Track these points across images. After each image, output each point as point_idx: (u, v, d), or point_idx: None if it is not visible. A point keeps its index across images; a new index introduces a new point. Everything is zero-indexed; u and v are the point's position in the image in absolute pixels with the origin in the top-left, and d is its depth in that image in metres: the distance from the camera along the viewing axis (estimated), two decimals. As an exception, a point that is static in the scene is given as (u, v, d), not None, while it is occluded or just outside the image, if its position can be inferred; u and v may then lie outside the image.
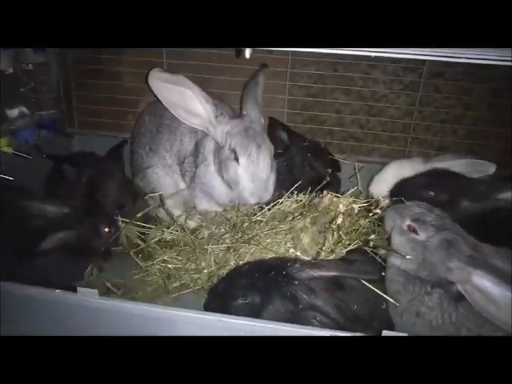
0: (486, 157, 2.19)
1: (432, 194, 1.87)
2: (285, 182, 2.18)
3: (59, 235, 1.66)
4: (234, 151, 1.86)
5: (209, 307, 1.57)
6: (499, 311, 1.28)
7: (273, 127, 2.38)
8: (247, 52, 1.16)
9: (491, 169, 2.04)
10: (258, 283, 1.49)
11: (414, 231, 1.54)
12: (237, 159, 1.85)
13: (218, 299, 1.55)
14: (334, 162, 2.36)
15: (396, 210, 1.65)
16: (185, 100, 1.91)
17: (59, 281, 1.65)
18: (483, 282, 1.32)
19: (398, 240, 1.60)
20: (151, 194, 2.08)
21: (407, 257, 1.49)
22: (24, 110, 2.21)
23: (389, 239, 1.67)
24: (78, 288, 1.35)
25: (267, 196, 1.90)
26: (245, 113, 2.03)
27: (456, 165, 2.07)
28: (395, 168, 2.19)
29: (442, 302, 1.46)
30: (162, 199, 2.00)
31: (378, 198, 1.84)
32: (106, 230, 1.89)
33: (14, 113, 2.18)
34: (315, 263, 1.56)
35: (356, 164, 2.31)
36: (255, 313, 1.45)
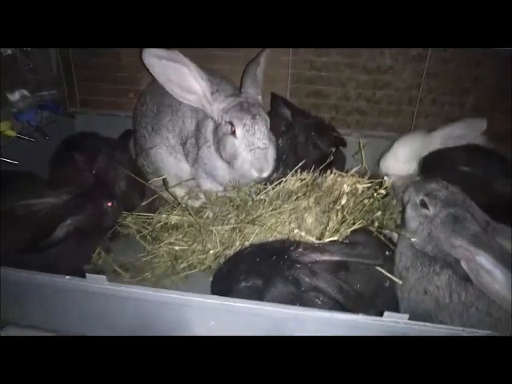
0: (494, 130, 2.17)
1: (468, 169, 1.85)
2: (289, 160, 2.17)
3: (67, 223, 1.66)
4: (230, 123, 1.85)
5: (214, 290, 1.60)
6: (500, 291, 1.30)
7: (276, 104, 2.34)
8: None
9: (483, 124, 2.05)
10: (260, 267, 1.51)
11: (425, 206, 1.56)
12: (233, 132, 1.84)
13: (222, 282, 1.58)
14: (339, 139, 2.32)
15: (414, 185, 1.67)
16: (179, 76, 1.88)
17: (70, 266, 1.69)
18: (485, 261, 1.33)
19: (409, 214, 1.62)
20: (155, 179, 2.08)
21: (412, 239, 1.50)
22: (25, 92, 2.19)
23: (403, 212, 1.68)
24: (87, 274, 1.38)
25: (267, 167, 1.87)
26: (242, 90, 2.02)
27: (455, 129, 2.09)
28: (406, 143, 2.17)
29: (450, 282, 1.48)
30: (165, 183, 2.00)
31: (382, 177, 1.82)
32: (109, 204, 1.86)
33: (15, 96, 2.17)
34: (318, 247, 1.56)
35: (360, 141, 2.27)
36: (258, 295, 1.47)
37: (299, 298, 1.48)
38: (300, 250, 1.54)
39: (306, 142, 2.22)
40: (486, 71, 2.51)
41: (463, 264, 1.41)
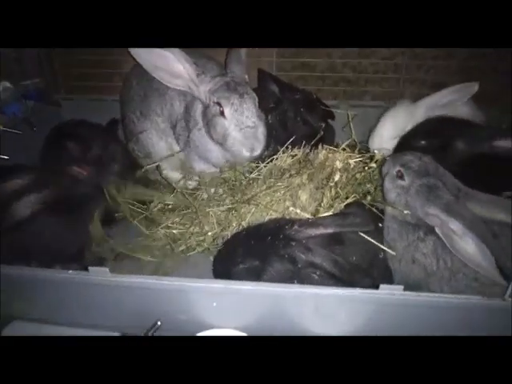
0: (480, 91, 2.17)
1: (423, 142, 1.89)
2: (279, 137, 2.18)
3: (29, 200, 1.59)
4: (218, 104, 1.85)
5: (214, 272, 1.66)
6: (473, 256, 1.36)
7: (263, 80, 2.32)
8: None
9: (475, 87, 2.05)
10: (256, 248, 1.56)
11: (401, 177, 1.61)
12: (222, 113, 1.84)
13: (221, 265, 1.64)
14: (327, 111, 2.33)
15: (391, 158, 1.72)
16: (165, 61, 1.87)
17: (62, 246, 1.69)
18: (457, 229, 1.39)
19: (387, 186, 1.67)
20: (148, 166, 2.09)
21: (405, 211, 1.54)
22: (7, 84, 2.15)
23: (382, 186, 1.72)
24: (90, 268, 1.40)
25: (259, 146, 1.88)
26: (228, 71, 2.01)
27: (443, 96, 2.08)
28: (389, 120, 2.17)
29: (436, 248, 1.53)
30: (159, 170, 2.01)
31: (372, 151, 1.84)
32: (77, 169, 1.79)
33: (-6, 85, 2.13)
34: (311, 222, 1.61)
35: (349, 113, 2.28)
36: (256, 275, 1.53)
37: (296, 274, 1.53)
38: (295, 227, 1.58)
39: (295, 117, 2.22)
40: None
41: (437, 231, 1.47)
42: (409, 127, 2.05)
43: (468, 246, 1.36)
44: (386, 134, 2.11)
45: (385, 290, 1.32)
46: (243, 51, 2.12)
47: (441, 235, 1.45)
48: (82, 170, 1.77)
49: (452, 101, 2.07)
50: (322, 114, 2.27)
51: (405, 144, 1.94)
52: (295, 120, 2.22)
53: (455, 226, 1.38)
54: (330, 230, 1.59)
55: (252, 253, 1.56)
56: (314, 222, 1.61)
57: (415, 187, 1.55)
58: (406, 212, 1.55)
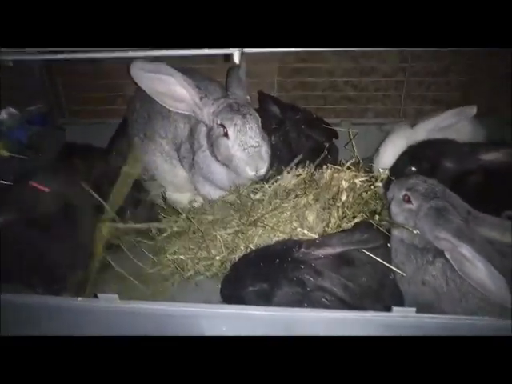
0: (480, 104, 2.19)
1: (414, 168, 1.91)
2: (283, 157, 2.19)
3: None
4: (221, 126, 1.87)
5: (222, 295, 1.65)
6: (482, 280, 1.35)
7: (264, 102, 2.35)
8: (236, 56, 1.13)
9: (473, 110, 2.06)
10: (264, 271, 1.56)
11: (409, 201, 1.60)
12: (226, 134, 1.85)
13: (230, 288, 1.63)
14: (331, 131, 2.34)
15: (396, 182, 1.72)
16: (168, 87, 1.89)
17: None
18: (467, 253, 1.38)
19: (394, 210, 1.67)
20: (154, 193, 2.12)
21: (414, 231, 1.53)
22: (12, 110, 2.17)
23: (389, 210, 1.72)
24: (99, 294, 1.40)
25: (263, 165, 1.87)
26: (229, 93, 2.03)
27: (443, 119, 2.09)
28: (390, 147, 2.18)
29: (445, 270, 1.52)
30: (164, 197, 2.01)
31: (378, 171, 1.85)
32: (33, 184, 1.72)
33: (2, 114, 2.15)
34: (319, 243, 1.60)
35: (350, 131, 2.30)
36: (265, 298, 1.53)
37: (306, 298, 1.53)
38: (302, 249, 1.57)
39: (298, 136, 2.24)
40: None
41: (447, 254, 1.46)
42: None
43: (478, 270, 1.35)
44: (388, 161, 2.09)
45: (398, 312, 1.31)
46: (243, 72, 2.14)
47: (450, 259, 1.44)
48: (36, 187, 1.72)
49: (451, 124, 2.08)
50: (324, 132, 2.28)
51: (397, 173, 1.91)
52: (298, 138, 2.24)
53: (466, 250, 1.37)
54: (338, 250, 1.58)
55: (261, 276, 1.55)
56: (321, 243, 1.60)
57: (424, 210, 1.54)
58: (415, 232, 1.54)
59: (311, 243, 1.62)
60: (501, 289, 1.31)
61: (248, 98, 2.08)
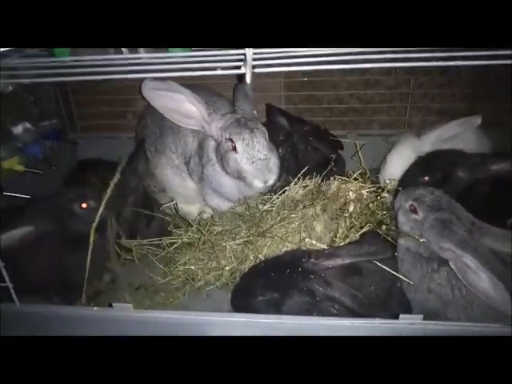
0: (484, 115, 2.22)
1: (426, 178, 1.93)
2: (291, 168, 2.24)
3: (18, 230, 1.56)
4: (230, 140, 1.92)
5: (233, 305, 1.69)
6: (486, 290, 1.39)
7: (272, 114, 2.41)
8: (248, 77, 1.18)
9: (478, 120, 2.11)
10: (275, 280, 1.60)
11: (415, 211, 1.64)
12: (234, 148, 1.91)
13: (240, 297, 1.67)
14: (336, 142, 2.39)
15: (403, 192, 1.75)
16: (178, 104, 1.96)
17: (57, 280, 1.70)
18: (471, 264, 1.42)
19: (401, 220, 1.70)
20: (166, 204, 2.18)
21: (421, 240, 1.57)
22: (27, 124, 2.24)
23: (396, 220, 1.75)
24: (114, 304, 1.44)
25: (271, 176, 1.93)
26: (236, 108, 2.09)
27: (448, 130, 2.13)
28: (397, 158, 2.21)
29: (450, 278, 1.55)
30: (176, 208, 2.07)
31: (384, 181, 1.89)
32: (84, 205, 1.74)
33: (18, 129, 2.22)
34: (327, 254, 1.63)
35: (357, 142, 2.34)
36: (275, 307, 1.56)
37: (315, 307, 1.56)
38: (312, 260, 1.61)
39: (305, 147, 2.29)
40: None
41: (451, 264, 1.49)
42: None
43: (481, 280, 1.38)
44: (395, 172, 2.12)
45: (405, 319, 1.34)
46: (249, 87, 2.20)
47: (454, 269, 1.47)
48: (85, 208, 1.76)
49: (456, 134, 2.12)
50: (331, 144, 2.33)
51: (408, 184, 1.93)
52: (306, 150, 2.29)
53: (470, 261, 1.41)
54: (346, 261, 1.62)
55: (271, 286, 1.59)
56: (331, 254, 1.64)
57: (429, 222, 1.57)
58: (422, 240, 1.57)
59: (320, 254, 1.66)
60: (502, 298, 1.34)
61: (255, 112, 2.14)
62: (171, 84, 1.92)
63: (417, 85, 2.69)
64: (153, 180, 2.35)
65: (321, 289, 1.54)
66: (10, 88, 2.12)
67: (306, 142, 2.30)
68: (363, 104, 2.77)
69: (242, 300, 1.66)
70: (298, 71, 2.65)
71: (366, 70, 2.63)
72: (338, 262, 1.60)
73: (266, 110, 2.44)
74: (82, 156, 2.64)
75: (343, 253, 1.64)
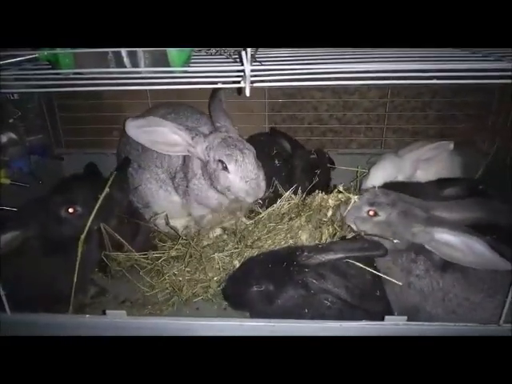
0: (455, 137, 2.41)
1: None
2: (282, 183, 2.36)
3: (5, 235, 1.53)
4: (220, 161, 1.99)
5: (226, 293, 1.74)
6: (464, 255, 1.49)
7: (276, 137, 2.61)
8: (247, 90, 1.26)
9: (450, 146, 2.32)
10: (271, 273, 1.64)
11: (375, 214, 1.72)
12: (225, 168, 1.97)
13: (235, 286, 1.70)
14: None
15: (350, 212, 1.81)
16: (162, 136, 2.04)
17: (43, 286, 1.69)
18: (443, 236, 1.53)
19: (365, 227, 1.76)
20: (156, 216, 2.23)
21: (395, 241, 1.66)
22: (12, 135, 2.24)
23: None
24: (107, 311, 1.45)
25: (261, 192, 2.03)
26: (218, 125, 2.17)
27: (424, 152, 2.35)
28: (380, 172, 2.36)
29: (428, 268, 1.64)
30: (166, 219, 2.11)
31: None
32: (70, 210, 1.72)
33: (2, 139, 2.22)
34: (322, 248, 1.68)
35: (359, 170, 2.54)
36: (269, 299, 1.62)
37: (309, 300, 1.62)
38: (305, 253, 1.65)
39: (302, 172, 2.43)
40: (442, 86, 2.74)
41: (427, 246, 1.59)
42: (399, 178, 2.31)
43: (458, 248, 1.49)
44: (377, 183, 2.19)
45: (390, 321, 1.41)
46: (223, 102, 2.28)
47: (432, 249, 1.57)
48: (72, 213, 1.75)
49: (431, 156, 2.35)
50: (327, 171, 2.53)
51: None
52: (301, 176, 2.42)
53: (441, 233, 1.53)
54: (340, 255, 1.66)
55: (267, 276, 1.63)
56: (324, 248, 1.68)
57: (394, 217, 1.67)
58: (395, 241, 1.65)
59: (313, 248, 1.70)
60: (490, 251, 1.43)
61: (236, 128, 2.22)
62: (152, 119, 2.02)
63: (392, 107, 2.85)
64: (136, 195, 2.37)
65: (315, 282, 1.58)
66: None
67: (305, 168, 2.44)
68: (342, 124, 2.91)
69: (236, 288, 1.70)
70: (281, 92, 2.78)
71: (344, 91, 2.79)
72: (331, 255, 1.64)
73: (271, 133, 2.68)
74: (67, 171, 2.65)
75: (337, 248, 1.68)
